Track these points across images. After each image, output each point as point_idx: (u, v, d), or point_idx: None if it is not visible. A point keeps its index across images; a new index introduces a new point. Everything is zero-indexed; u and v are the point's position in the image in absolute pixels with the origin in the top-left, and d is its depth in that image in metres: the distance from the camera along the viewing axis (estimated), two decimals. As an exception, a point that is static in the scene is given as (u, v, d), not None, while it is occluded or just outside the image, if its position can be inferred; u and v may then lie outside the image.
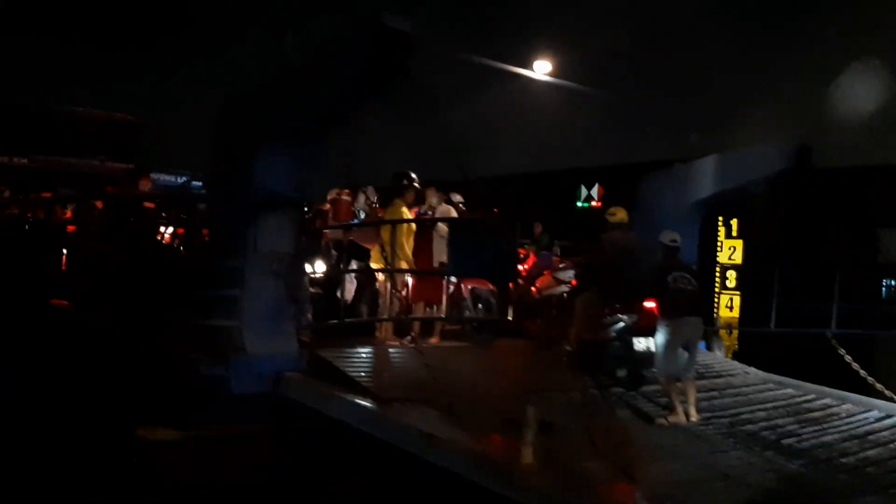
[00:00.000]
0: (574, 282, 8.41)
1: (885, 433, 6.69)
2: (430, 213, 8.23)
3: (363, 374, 6.36)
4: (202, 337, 6.78)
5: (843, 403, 7.66)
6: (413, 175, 7.72)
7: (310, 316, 7.12)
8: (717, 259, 27.23)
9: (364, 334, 7.51)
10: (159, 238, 8.64)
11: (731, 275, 26.68)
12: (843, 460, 5.84)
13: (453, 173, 6.74)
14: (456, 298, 8.17)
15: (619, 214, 7.88)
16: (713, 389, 7.78)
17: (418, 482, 5.21)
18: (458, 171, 5.89)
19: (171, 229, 8.75)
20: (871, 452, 6.09)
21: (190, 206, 9.62)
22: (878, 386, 8.01)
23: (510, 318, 8.59)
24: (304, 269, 7.15)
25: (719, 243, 28.16)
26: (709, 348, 9.87)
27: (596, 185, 26.87)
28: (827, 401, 7.75)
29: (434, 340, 7.84)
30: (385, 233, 7.39)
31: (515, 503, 4.50)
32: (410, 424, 5.34)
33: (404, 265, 7.42)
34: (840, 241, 31.81)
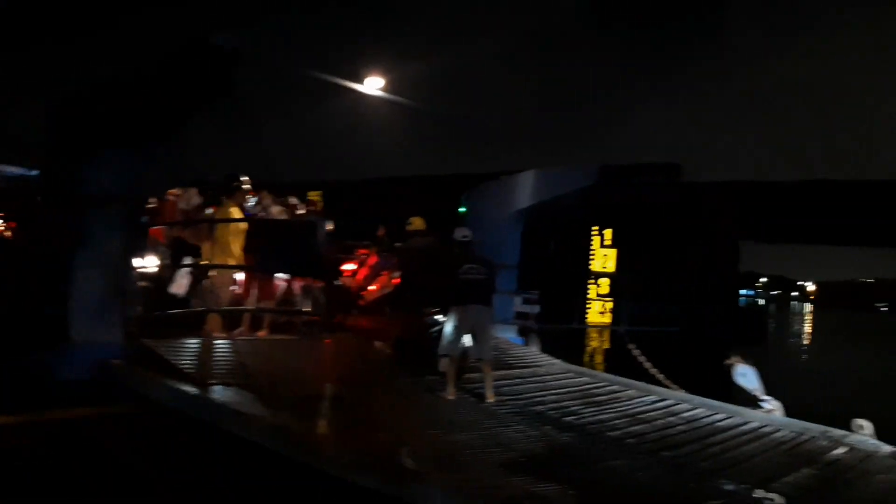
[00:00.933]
0: (395, 280, 9.16)
1: (653, 413, 7.76)
2: (263, 213, 8.73)
3: (185, 361, 6.81)
4: (31, 325, 7.04)
5: (628, 390, 8.73)
6: (243, 177, 8.20)
7: (140, 308, 7.46)
8: (590, 267, 28.45)
9: (194, 327, 7.90)
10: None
11: (604, 282, 28.11)
12: (610, 434, 6.81)
13: (302, 175, 7.32)
14: (287, 295, 8.70)
15: (416, 223, 8.72)
16: (518, 377, 8.67)
17: (231, 454, 5.72)
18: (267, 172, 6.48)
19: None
20: (636, 427, 7.10)
21: (25, 198, 9.68)
22: (660, 376, 9.12)
23: (337, 314, 9.20)
24: (132, 263, 7.49)
25: (592, 252, 29.46)
26: (526, 343, 10.84)
27: None
28: (615, 387, 8.80)
29: (262, 333, 8.35)
30: (214, 231, 7.86)
31: (309, 467, 5.12)
32: (222, 403, 5.85)
33: (232, 262, 7.89)
34: (705, 251, 34.07)
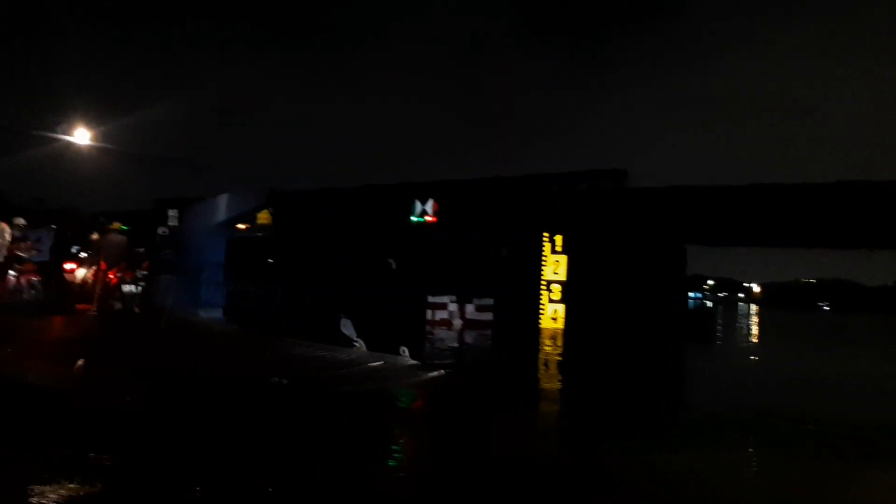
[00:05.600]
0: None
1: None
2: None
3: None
4: None
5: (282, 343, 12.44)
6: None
7: None
8: (542, 275, 28.43)
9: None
10: None
11: (556, 288, 28.60)
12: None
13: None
14: (17, 286, 12.05)
15: (115, 225, 12.38)
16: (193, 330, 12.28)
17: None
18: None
19: None
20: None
21: None
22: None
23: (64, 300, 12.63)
24: None
25: (544, 258, 29.11)
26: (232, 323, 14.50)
27: (430, 201, 28.32)
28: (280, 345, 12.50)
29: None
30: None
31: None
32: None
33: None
34: (654, 255, 33.90)
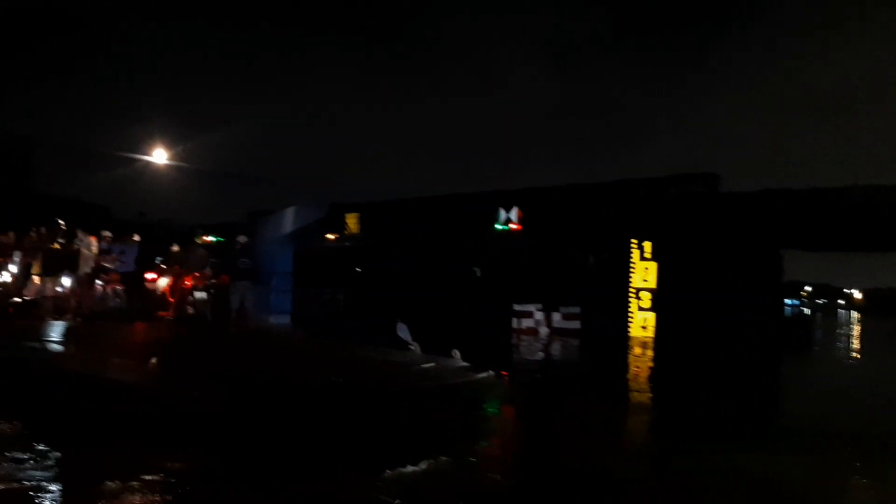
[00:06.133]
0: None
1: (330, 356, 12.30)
2: (79, 242, 13.24)
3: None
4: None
5: (332, 346, 13.25)
6: (61, 222, 12.78)
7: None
8: (631, 282, 27.58)
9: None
10: None
11: (645, 296, 27.92)
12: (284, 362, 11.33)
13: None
14: (104, 295, 13.20)
15: (202, 240, 13.41)
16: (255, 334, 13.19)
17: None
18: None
19: None
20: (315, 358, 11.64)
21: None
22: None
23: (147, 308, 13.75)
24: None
25: (633, 265, 28.15)
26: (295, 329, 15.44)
27: (515, 209, 28.30)
28: (331, 348, 13.31)
29: (78, 320, 12.84)
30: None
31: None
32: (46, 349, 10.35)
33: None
34: (747, 261, 31.66)
